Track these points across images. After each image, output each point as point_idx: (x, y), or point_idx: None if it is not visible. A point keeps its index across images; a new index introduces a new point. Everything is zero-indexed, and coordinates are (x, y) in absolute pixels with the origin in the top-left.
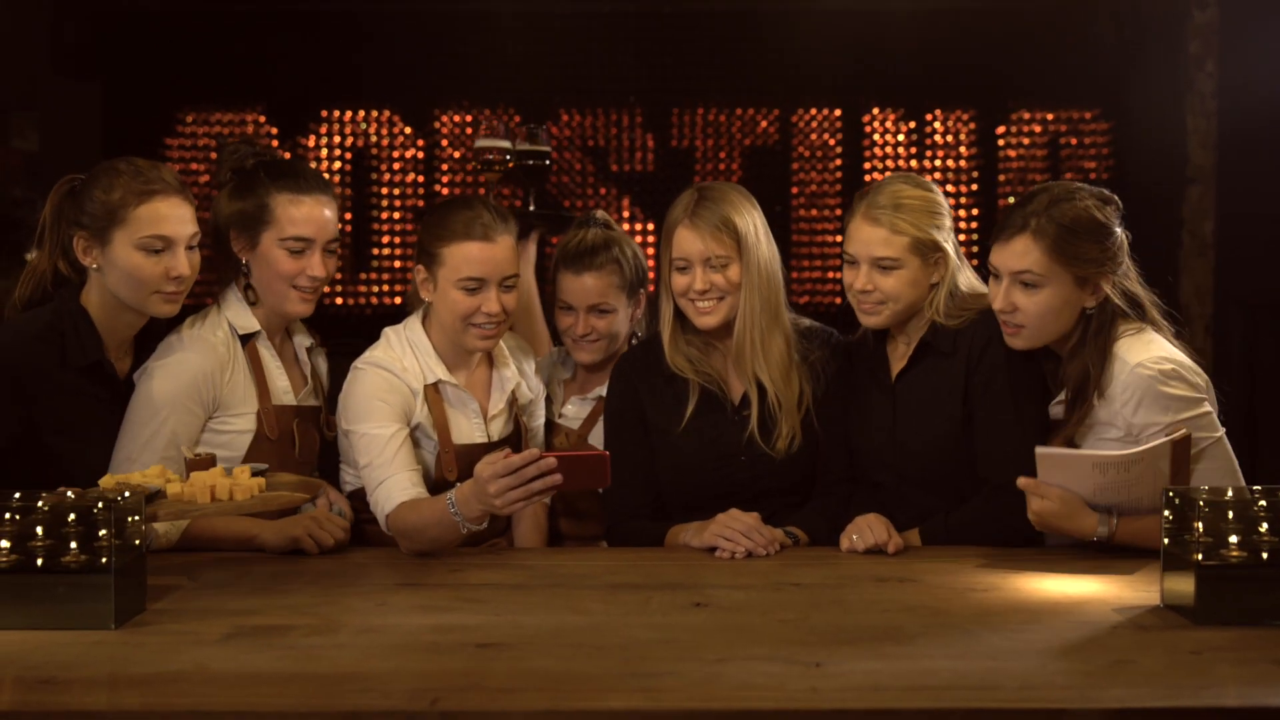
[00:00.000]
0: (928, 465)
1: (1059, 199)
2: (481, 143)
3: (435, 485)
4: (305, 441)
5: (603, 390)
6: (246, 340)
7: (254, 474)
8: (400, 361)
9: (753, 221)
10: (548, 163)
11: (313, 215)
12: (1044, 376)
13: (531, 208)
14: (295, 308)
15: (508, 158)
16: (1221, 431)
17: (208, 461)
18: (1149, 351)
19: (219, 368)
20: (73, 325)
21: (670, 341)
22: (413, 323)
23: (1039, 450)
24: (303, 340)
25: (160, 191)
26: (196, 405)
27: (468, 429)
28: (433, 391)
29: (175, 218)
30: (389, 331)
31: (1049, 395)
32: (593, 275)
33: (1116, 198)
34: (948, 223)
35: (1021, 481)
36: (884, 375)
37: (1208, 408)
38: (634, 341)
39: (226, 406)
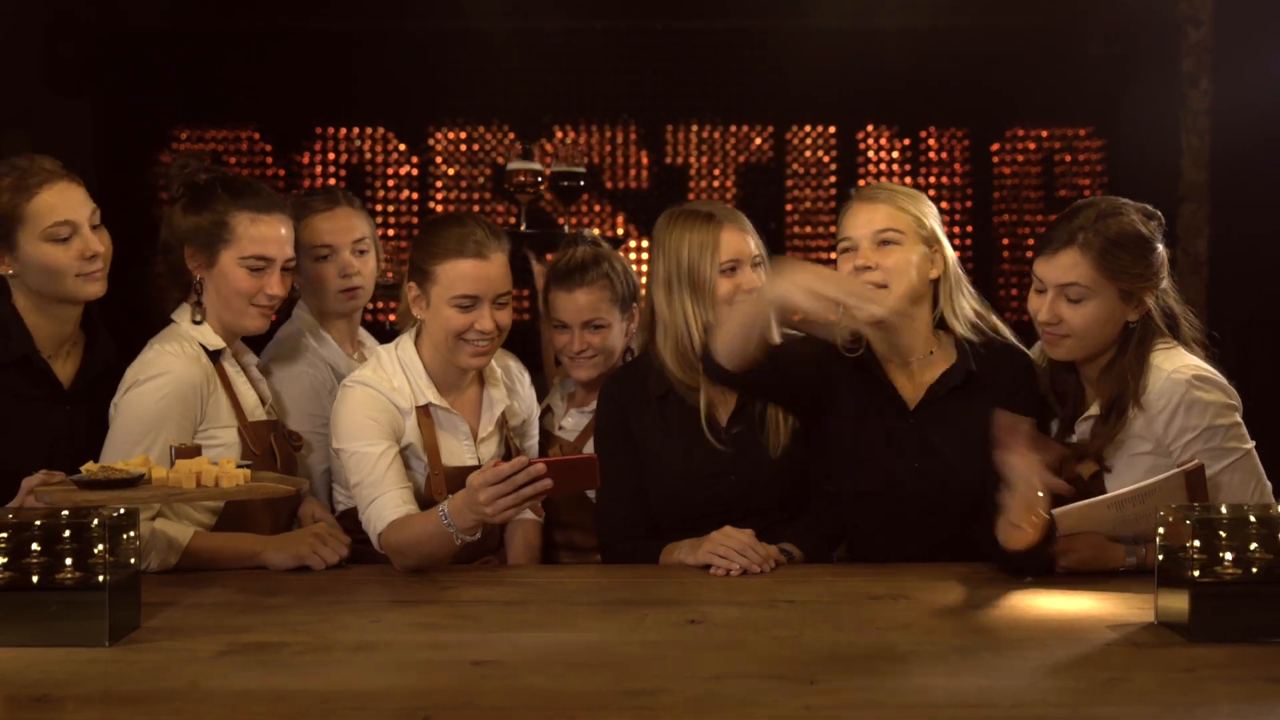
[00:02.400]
0: (964, 497)
1: (1106, 214)
2: (513, 165)
3: (424, 507)
4: (283, 456)
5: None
6: (214, 358)
7: (239, 467)
8: (390, 381)
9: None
10: (581, 183)
11: (273, 234)
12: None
13: (523, 227)
14: (253, 323)
15: (539, 180)
16: (1251, 444)
17: (193, 450)
18: (1183, 359)
19: (204, 379)
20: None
21: (679, 358)
22: (405, 342)
23: (1055, 512)
24: (250, 359)
25: (45, 181)
26: (186, 418)
27: (458, 451)
28: (423, 414)
29: (70, 202)
30: (381, 350)
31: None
32: (584, 291)
33: (1160, 214)
34: (940, 227)
35: None
36: (894, 405)
37: (1238, 418)
38: (627, 358)
39: (211, 419)
